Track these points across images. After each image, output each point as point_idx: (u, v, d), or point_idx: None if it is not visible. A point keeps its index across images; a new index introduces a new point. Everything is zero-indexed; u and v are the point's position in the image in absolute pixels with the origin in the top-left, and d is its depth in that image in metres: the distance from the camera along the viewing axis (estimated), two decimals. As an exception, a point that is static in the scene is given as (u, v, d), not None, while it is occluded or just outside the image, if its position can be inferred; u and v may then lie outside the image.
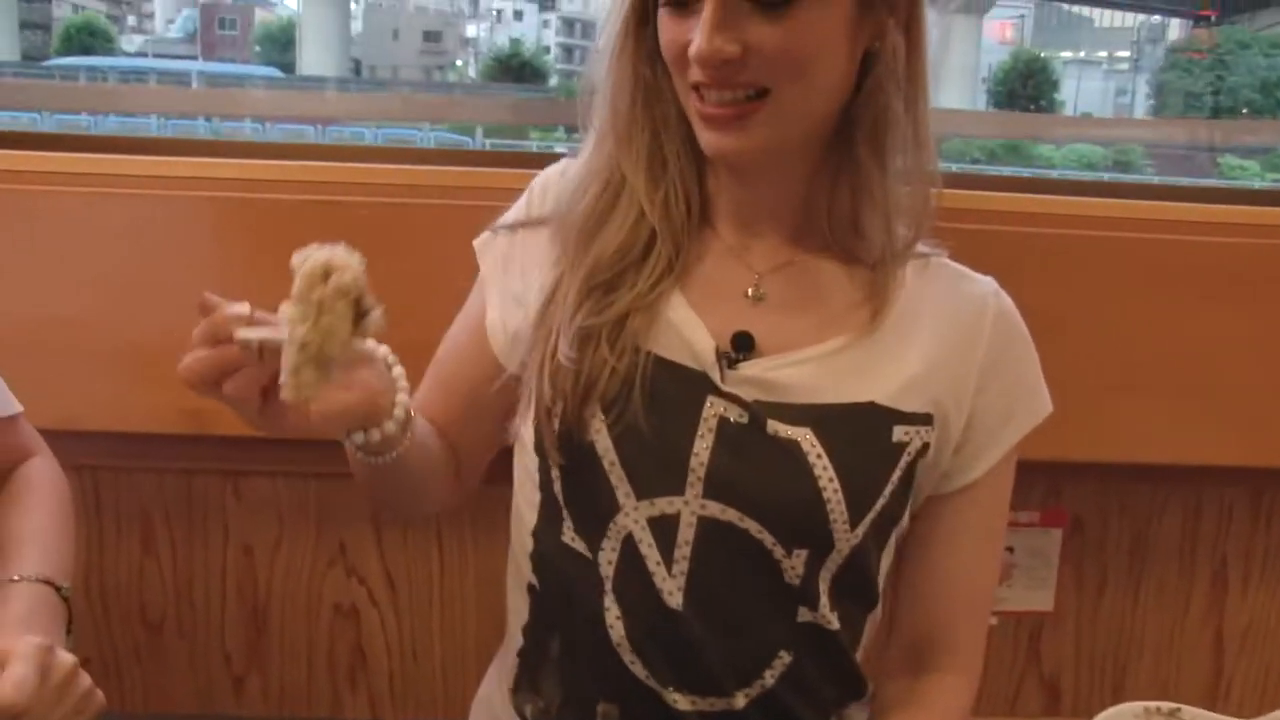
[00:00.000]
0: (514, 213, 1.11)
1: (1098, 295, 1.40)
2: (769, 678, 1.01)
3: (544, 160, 1.14)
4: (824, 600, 1.00)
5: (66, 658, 0.88)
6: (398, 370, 0.95)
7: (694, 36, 0.90)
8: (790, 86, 0.92)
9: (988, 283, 1.06)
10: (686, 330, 1.00)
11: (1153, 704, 0.90)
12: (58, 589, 1.01)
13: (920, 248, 1.04)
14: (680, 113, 0.99)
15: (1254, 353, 1.43)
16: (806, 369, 0.99)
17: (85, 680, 0.89)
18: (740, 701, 1.00)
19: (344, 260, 0.80)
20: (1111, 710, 0.88)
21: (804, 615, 1.01)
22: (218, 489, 1.47)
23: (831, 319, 1.01)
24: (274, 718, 1.54)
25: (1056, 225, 1.40)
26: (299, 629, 1.53)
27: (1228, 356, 1.42)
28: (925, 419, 1.00)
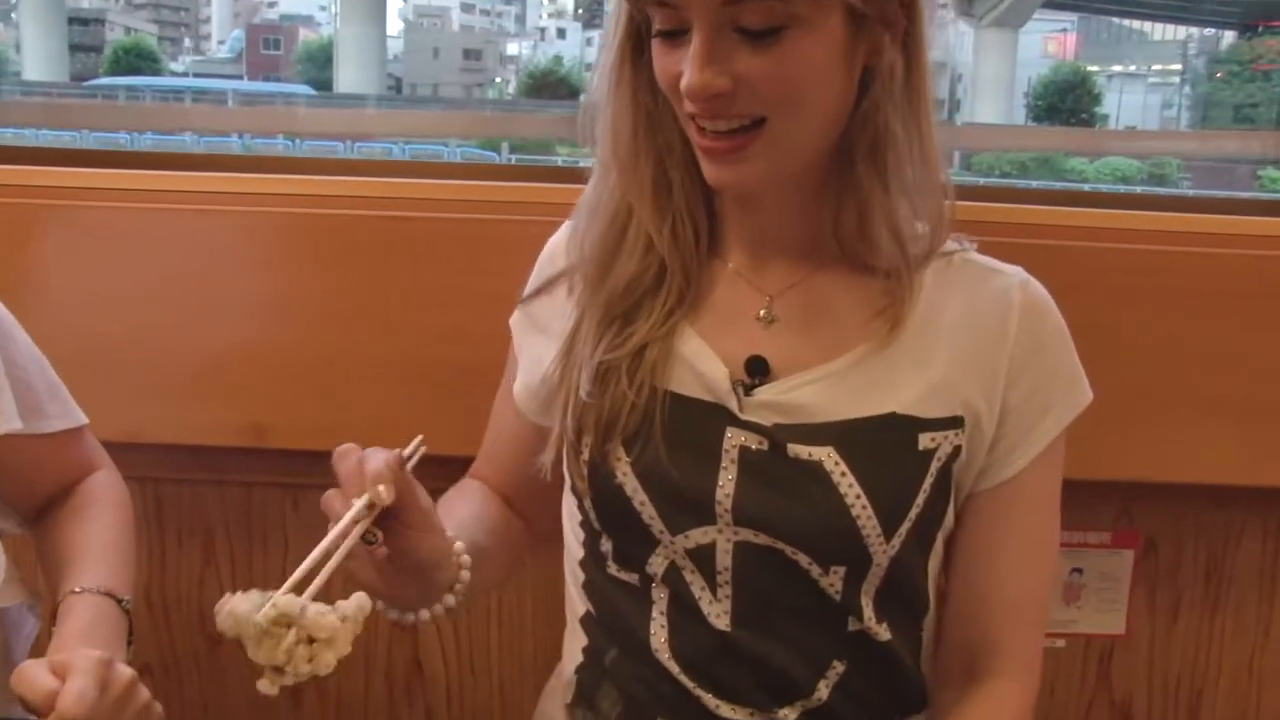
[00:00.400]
0: (532, 280, 1.12)
1: (1173, 313, 1.36)
2: (823, 689, 1.01)
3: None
4: (868, 613, 0.99)
5: (125, 671, 0.89)
6: (465, 559, 0.96)
7: (684, 68, 0.89)
8: (785, 115, 0.91)
9: (1015, 273, 1.04)
10: (699, 363, 0.99)
11: None
12: (119, 601, 1.02)
13: (945, 246, 1.02)
14: (684, 139, 0.97)
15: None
16: (823, 386, 0.98)
17: (144, 693, 0.90)
18: (796, 714, 1.01)
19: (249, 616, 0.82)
20: None
21: (853, 625, 1.00)
22: (277, 502, 1.48)
23: (846, 333, 1.00)
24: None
25: (1125, 240, 1.36)
26: (356, 641, 1.52)
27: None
28: (954, 422, 0.99)
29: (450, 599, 0.95)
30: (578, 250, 1.04)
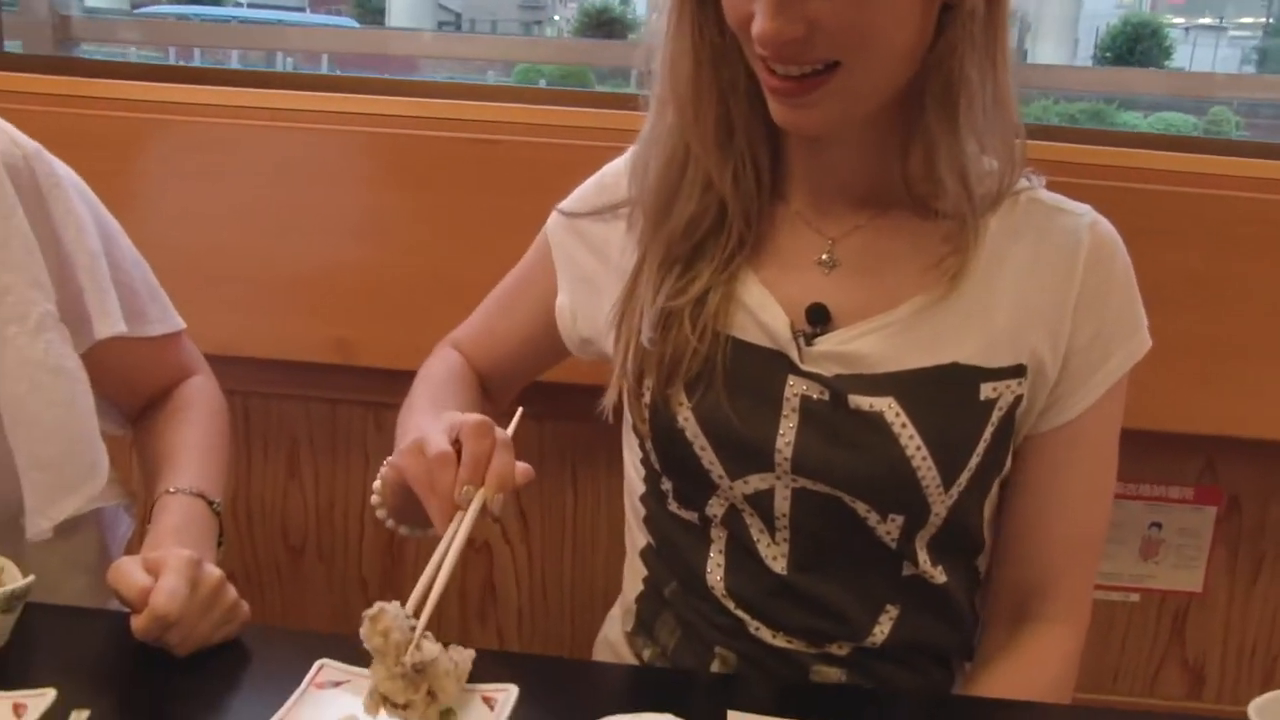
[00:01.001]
0: (583, 200, 1.11)
1: (1263, 262, 1.33)
2: (879, 632, 1.01)
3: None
4: (924, 557, 1.00)
5: (214, 571, 0.91)
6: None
7: (756, 9, 0.86)
8: (860, 58, 0.87)
9: (1084, 213, 1.01)
10: (761, 311, 0.98)
11: None
12: (210, 503, 1.04)
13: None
14: (750, 76, 0.94)
15: None
16: (884, 336, 0.96)
17: (231, 593, 0.92)
18: (848, 649, 1.02)
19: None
20: (1270, 696, 0.83)
21: (908, 570, 1.01)
22: (360, 418, 1.51)
23: (908, 280, 0.97)
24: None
25: (1215, 186, 1.33)
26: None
27: None
28: (1016, 371, 0.97)
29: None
30: (639, 184, 1.02)
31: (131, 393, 1.15)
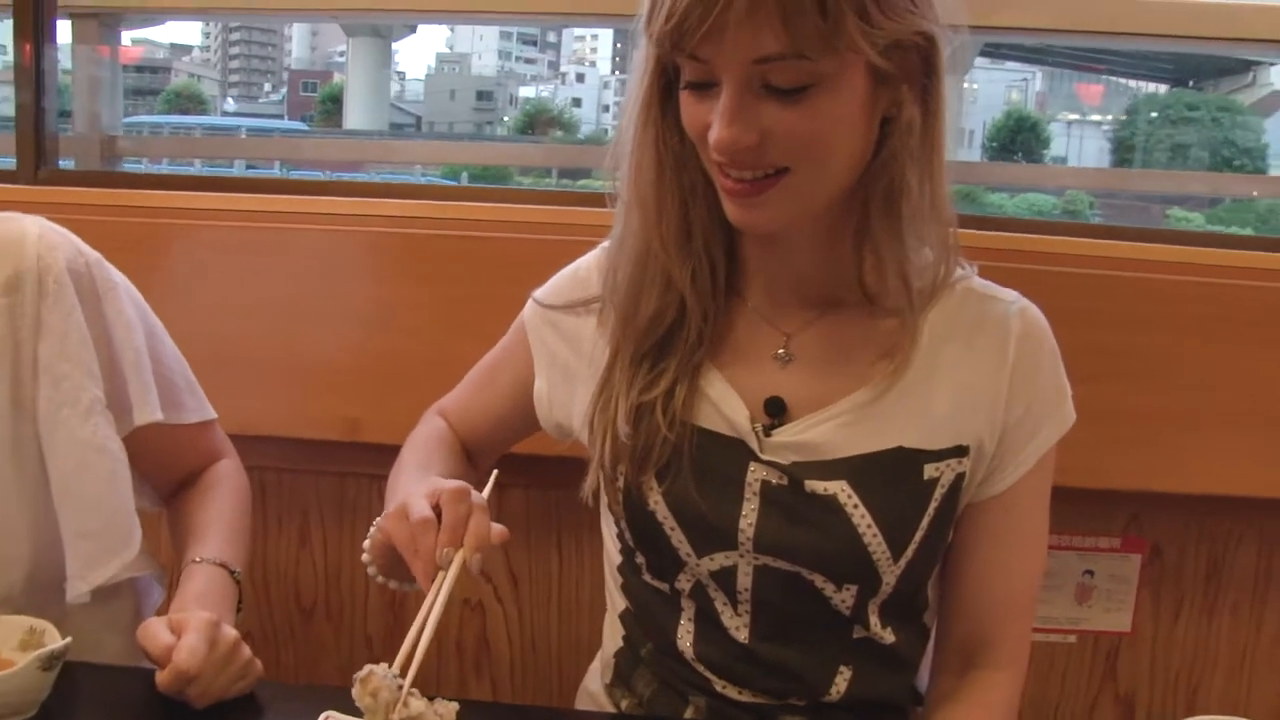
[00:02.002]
0: (557, 292, 1.13)
1: (1179, 337, 1.41)
2: (835, 691, 1.04)
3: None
4: (874, 620, 1.02)
5: (231, 632, 0.97)
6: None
7: (713, 119, 0.88)
8: (808, 165, 0.90)
9: (1013, 300, 1.04)
10: (723, 404, 1.01)
11: (1219, 718, 0.89)
12: (231, 572, 1.10)
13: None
14: (708, 181, 0.96)
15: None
16: (837, 424, 0.99)
17: (246, 651, 0.98)
18: (814, 705, 1.05)
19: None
20: None
21: (859, 633, 1.03)
22: (367, 490, 1.57)
23: (857, 372, 1.00)
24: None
25: (1138, 270, 1.41)
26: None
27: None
28: (957, 451, 1.00)
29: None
30: (610, 284, 1.04)
31: (167, 473, 1.21)
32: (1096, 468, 1.39)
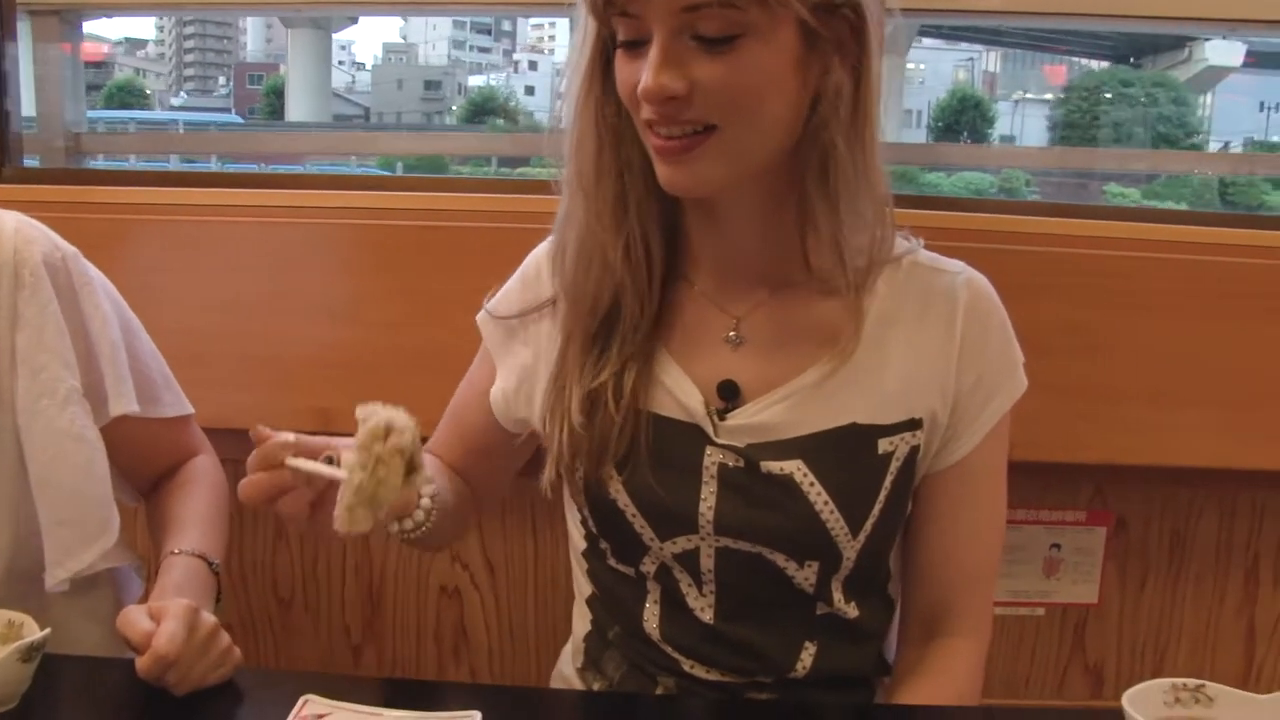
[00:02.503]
0: (509, 299, 1.13)
1: (1140, 313, 1.43)
2: (800, 667, 1.06)
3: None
4: (837, 596, 1.04)
5: (209, 618, 0.98)
6: (428, 488, 1.01)
7: (643, 71, 0.90)
8: (737, 122, 0.91)
9: (959, 270, 1.05)
10: (677, 390, 1.02)
11: (1179, 680, 0.92)
12: (209, 564, 1.12)
13: (895, 248, 1.03)
14: (644, 156, 0.97)
15: (1286, 365, 1.45)
16: (790, 404, 1.01)
17: (225, 638, 0.99)
18: (781, 681, 1.06)
19: (404, 423, 0.85)
20: (1140, 686, 0.89)
21: (822, 609, 1.05)
22: (341, 482, 1.57)
23: (809, 350, 1.01)
24: (387, 676, 1.63)
25: (1098, 247, 1.44)
26: (409, 607, 1.62)
27: (1263, 367, 1.45)
28: (911, 424, 1.02)
29: (418, 514, 1.01)
30: (559, 267, 1.05)
31: (144, 467, 1.22)
32: (1061, 442, 1.42)
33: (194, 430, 1.26)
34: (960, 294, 1.03)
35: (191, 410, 1.23)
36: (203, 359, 1.44)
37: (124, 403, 1.11)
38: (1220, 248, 1.44)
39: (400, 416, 0.85)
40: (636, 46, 0.92)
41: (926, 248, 1.08)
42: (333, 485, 0.86)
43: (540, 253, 1.12)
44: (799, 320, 1.03)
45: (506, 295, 1.14)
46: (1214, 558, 1.57)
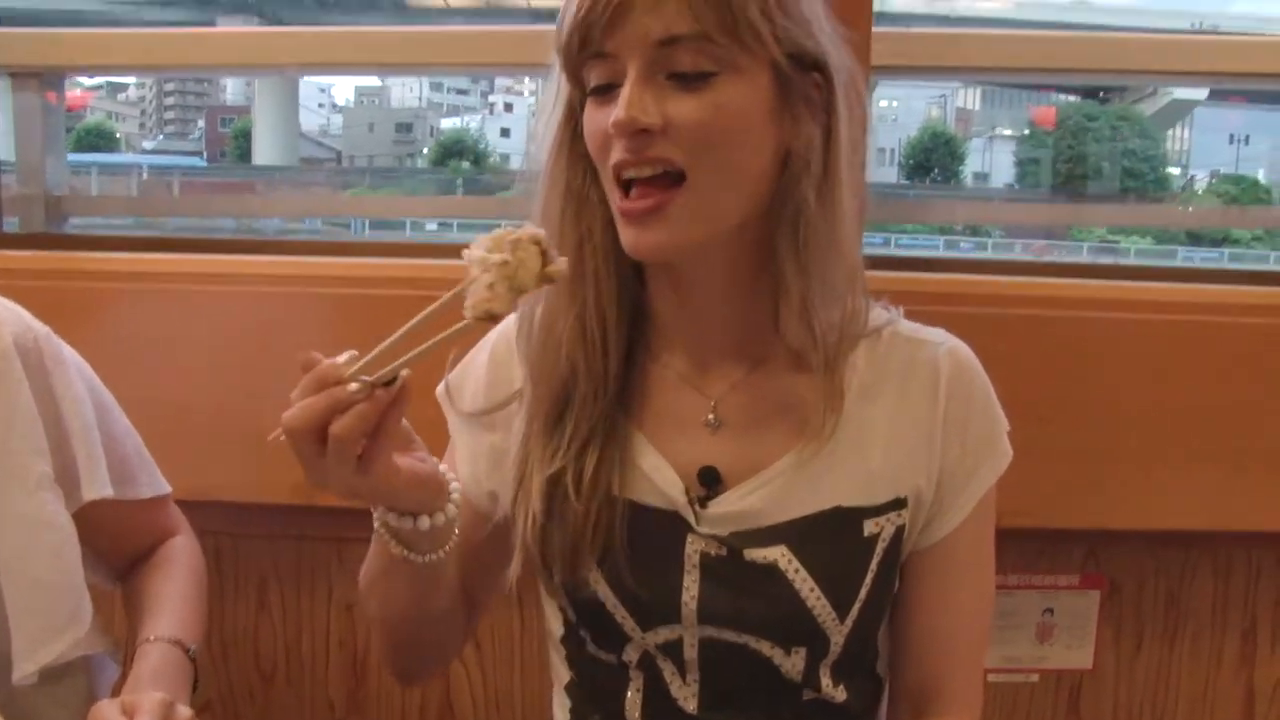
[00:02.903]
0: (475, 391, 1.08)
1: (1130, 373, 1.43)
2: None
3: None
4: (825, 681, 1.01)
5: (185, 711, 0.95)
6: (454, 484, 0.97)
7: (616, 107, 0.88)
8: (707, 167, 0.89)
9: (941, 340, 1.03)
10: (656, 476, 0.99)
11: None
12: (186, 650, 1.09)
13: (873, 321, 1.01)
14: (606, 225, 0.95)
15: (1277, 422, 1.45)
16: (772, 489, 0.98)
17: None
18: None
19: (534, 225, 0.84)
20: None
21: (809, 695, 1.02)
22: (324, 554, 1.55)
23: (789, 431, 0.99)
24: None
25: (1083, 309, 1.44)
26: (394, 681, 1.58)
27: (1253, 427, 1.44)
28: (897, 504, 1.00)
29: (450, 509, 0.94)
30: (524, 343, 1.02)
31: (120, 549, 1.20)
32: (1052, 507, 1.41)
33: (171, 509, 1.24)
34: (942, 366, 1.01)
35: (168, 489, 1.21)
36: (183, 430, 1.42)
37: (97, 486, 1.09)
38: (1207, 306, 1.44)
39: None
40: (608, 91, 0.91)
41: (909, 313, 1.07)
42: (394, 407, 0.83)
43: (510, 327, 1.06)
44: (777, 399, 1.00)
45: (473, 379, 1.09)
46: (1210, 619, 1.55)
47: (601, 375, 0.98)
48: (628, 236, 0.92)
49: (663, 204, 0.90)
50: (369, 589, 1.05)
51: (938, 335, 1.04)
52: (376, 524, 0.96)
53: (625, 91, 0.88)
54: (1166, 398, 1.43)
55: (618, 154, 0.90)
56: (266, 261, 1.49)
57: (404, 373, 0.83)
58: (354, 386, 0.83)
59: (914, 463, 1.01)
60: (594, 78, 0.92)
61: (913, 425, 1.01)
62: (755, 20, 0.88)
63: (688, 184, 0.89)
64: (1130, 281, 1.52)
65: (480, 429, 1.08)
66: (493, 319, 0.82)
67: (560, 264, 0.83)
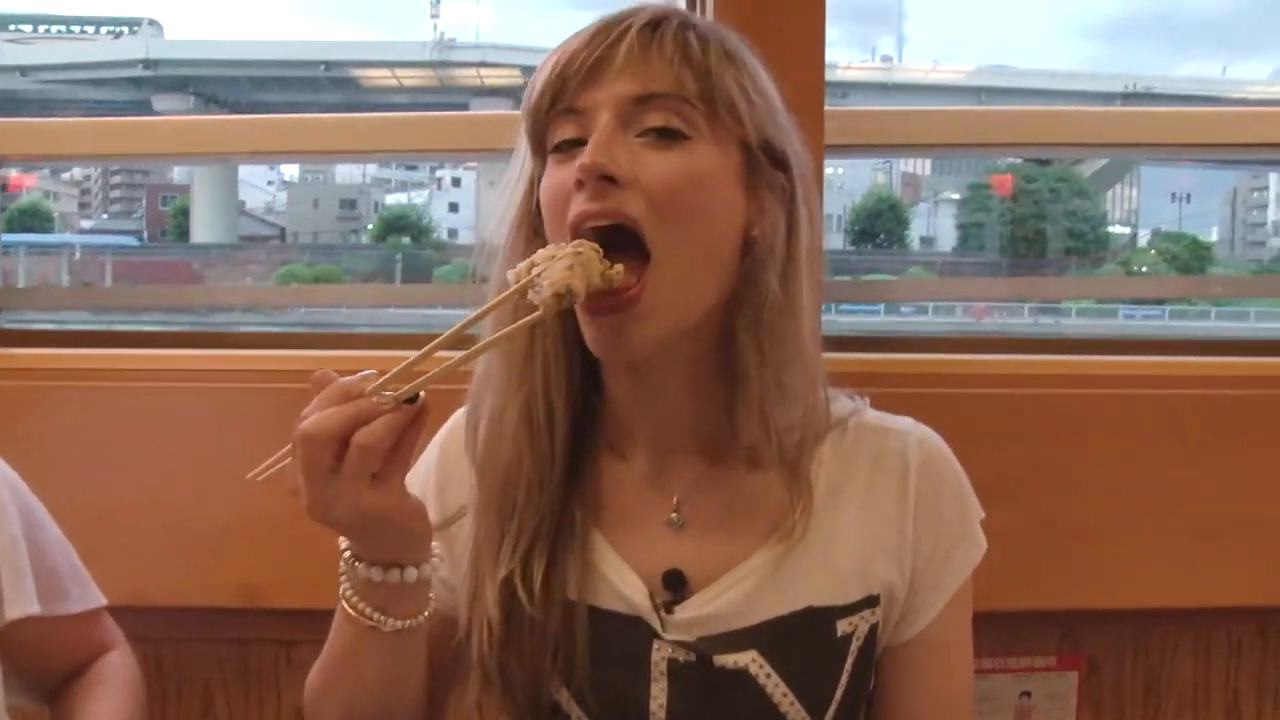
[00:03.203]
0: (424, 484, 1.03)
1: (1101, 450, 1.41)
2: None
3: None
4: None
5: None
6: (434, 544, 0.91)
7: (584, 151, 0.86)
8: (672, 236, 0.86)
9: (909, 429, 1.00)
10: (619, 581, 0.95)
11: None
12: None
13: (837, 412, 0.99)
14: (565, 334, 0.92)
15: (1258, 499, 1.43)
16: (740, 590, 0.94)
17: None
18: None
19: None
20: None
21: None
22: (271, 657, 1.49)
23: (756, 530, 0.95)
24: None
25: (1048, 385, 1.43)
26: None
27: (1228, 501, 1.42)
28: (869, 602, 0.96)
29: (430, 566, 0.89)
30: (471, 436, 0.97)
31: (49, 668, 1.14)
32: (1027, 589, 1.37)
33: (105, 623, 1.17)
34: (911, 456, 0.98)
35: (103, 602, 1.15)
36: (121, 532, 1.36)
37: (23, 603, 1.03)
38: (1178, 380, 1.44)
39: None
40: (574, 147, 0.88)
41: (876, 398, 1.04)
42: (414, 425, 0.82)
43: (459, 424, 1.02)
44: (742, 497, 0.96)
45: (419, 483, 1.01)
46: (1192, 697, 1.52)
47: (548, 460, 0.94)
48: (597, 339, 0.89)
49: (632, 301, 0.86)
50: (329, 682, 0.96)
51: (905, 424, 1.02)
52: (347, 590, 0.90)
53: (594, 138, 0.86)
54: (1133, 473, 1.42)
55: (577, 206, 0.86)
56: (204, 355, 1.45)
57: (422, 394, 0.81)
58: (378, 393, 0.81)
59: (885, 558, 0.97)
60: (559, 134, 0.90)
61: (883, 519, 0.98)
62: (733, 93, 0.88)
63: (654, 265, 0.86)
64: (1094, 356, 1.51)
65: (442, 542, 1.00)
66: (569, 297, 0.81)
67: (619, 270, 0.84)
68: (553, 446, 0.94)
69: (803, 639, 0.94)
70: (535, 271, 0.83)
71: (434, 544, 0.92)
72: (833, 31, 1.36)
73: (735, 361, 0.91)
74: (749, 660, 0.93)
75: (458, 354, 0.83)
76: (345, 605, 0.91)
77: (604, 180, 0.85)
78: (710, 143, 0.88)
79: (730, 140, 0.89)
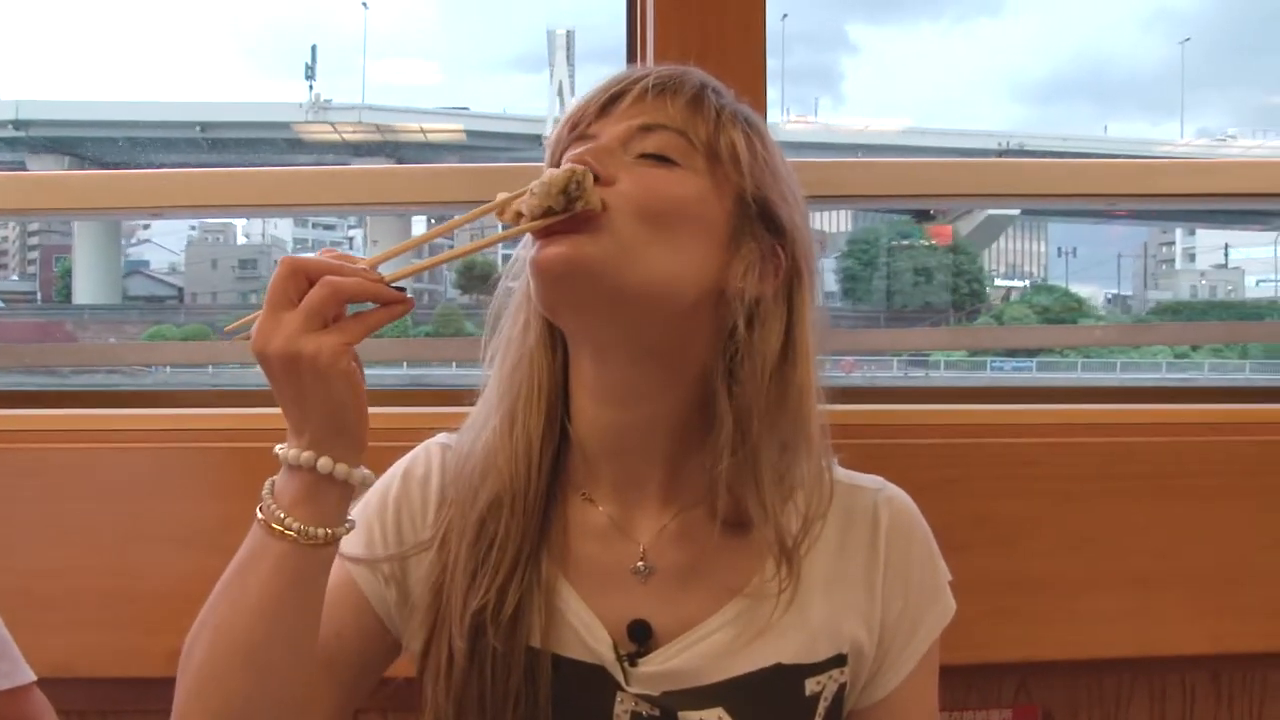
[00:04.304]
0: (381, 512, 1.01)
1: (1052, 500, 1.42)
2: None
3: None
4: None
5: None
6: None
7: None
8: (635, 219, 0.87)
9: (877, 488, 1.01)
10: (581, 629, 0.94)
11: None
12: None
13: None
14: (550, 364, 0.95)
15: (1206, 546, 1.44)
16: (708, 645, 0.93)
17: None
18: None
19: None
20: None
21: None
22: (206, 729, 1.43)
23: (725, 582, 0.95)
24: None
25: (1009, 435, 1.43)
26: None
27: (1170, 548, 1.43)
28: (837, 661, 0.96)
29: (361, 473, 0.85)
30: (454, 474, 0.98)
31: None
32: (981, 641, 1.36)
33: (35, 700, 1.12)
34: (881, 515, 1.00)
35: (32, 678, 1.11)
36: (50, 600, 1.32)
37: None
38: (1125, 428, 1.45)
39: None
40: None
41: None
42: (387, 307, 0.84)
43: (423, 457, 1.03)
44: (711, 548, 0.95)
45: (380, 503, 1.01)
46: (1149, 747, 1.52)
47: (528, 495, 0.94)
48: (538, 256, 0.87)
49: (579, 226, 0.86)
50: (210, 605, 0.90)
51: (874, 482, 1.03)
52: (264, 491, 0.88)
53: (592, 144, 0.90)
54: (1080, 522, 1.42)
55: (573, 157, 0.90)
56: (137, 415, 1.41)
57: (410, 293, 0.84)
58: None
59: (855, 617, 0.97)
60: (569, 157, 0.91)
61: (852, 577, 0.98)
62: (738, 145, 0.91)
63: (609, 215, 0.86)
64: (1038, 405, 1.52)
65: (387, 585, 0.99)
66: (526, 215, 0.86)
67: (594, 196, 0.87)
68: (533, 482, 0.94)
69: (770, 697, 0.94)
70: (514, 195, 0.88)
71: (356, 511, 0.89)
72: (773, 92, 1.38)
73: (716, 419, 0.91)
74: (714, 718, 0.92)
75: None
76: (258, 512, 0.87)
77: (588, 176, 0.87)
78: (702, 178, 0.90)
79: (726, 187, 0.91)
